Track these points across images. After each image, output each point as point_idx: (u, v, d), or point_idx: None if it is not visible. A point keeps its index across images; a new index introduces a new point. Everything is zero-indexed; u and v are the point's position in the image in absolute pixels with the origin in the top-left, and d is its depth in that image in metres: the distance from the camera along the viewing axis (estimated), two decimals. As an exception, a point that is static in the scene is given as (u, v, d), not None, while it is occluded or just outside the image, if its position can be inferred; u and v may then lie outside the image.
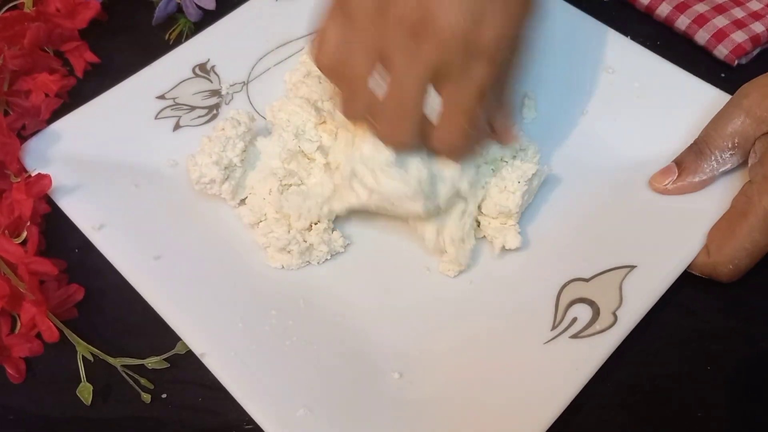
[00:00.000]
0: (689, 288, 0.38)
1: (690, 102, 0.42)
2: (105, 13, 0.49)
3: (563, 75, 0.45)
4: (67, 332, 0.37)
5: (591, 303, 0.36)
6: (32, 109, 0.43)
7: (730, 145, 0.38)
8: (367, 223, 0.41)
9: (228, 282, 0.38)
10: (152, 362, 0.36)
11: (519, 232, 0.39)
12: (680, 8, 0.48)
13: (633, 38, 0.46)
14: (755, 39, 0.46)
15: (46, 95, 0.44)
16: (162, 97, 0.44)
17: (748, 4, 0.48)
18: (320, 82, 0.44)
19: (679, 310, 0.38)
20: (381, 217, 0.40)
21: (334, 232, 0.40)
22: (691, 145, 0.40)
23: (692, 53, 0.47)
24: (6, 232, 0.37)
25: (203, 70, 0.46)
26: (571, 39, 0.46)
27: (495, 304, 0.38)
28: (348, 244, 0.40)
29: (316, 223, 0.40)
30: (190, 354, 0.35)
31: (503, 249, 0.39)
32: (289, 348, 0.36)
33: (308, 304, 0.38)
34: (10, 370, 0.36)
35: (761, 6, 0.48)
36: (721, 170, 0.39)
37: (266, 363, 0.35)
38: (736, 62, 0.46)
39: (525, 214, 0.40)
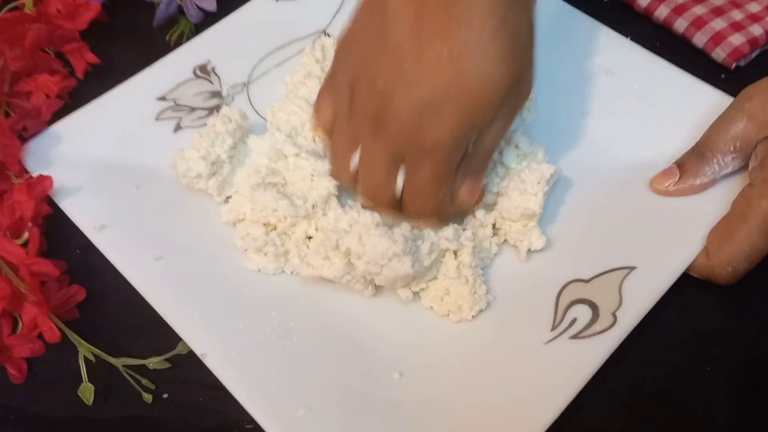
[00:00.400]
0: (689, 289, 0.38)
1: (690, 104, 0.43)
2: (106, 14, 0.49)
3: (563, 77, 0.45)
4: (69, 333, 0.37)
5: (591, 304, 0.36)
6: (33, 111, 0.43)
7: (731, 149, 0.38)
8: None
9: (229, 282, 0.38)
10: (153, 362, 0.36)
11: (542, 232, 0.38)
12: (678, 11, 0.48)
13: (632, 40, 0.46)
14: (753, 42, 0.46)
15: (47, 96, 0.44)
16: (163, 98, 0.44)
17: (746, 6, 0.48)
18: (320, 83, 0.44)
19: (679, 311, 0.38)
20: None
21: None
22: (693, 147, 0.40)
23: (691, 55, 0.47)
24: (7, 233, 0.37)
25: (204, 71, 0.46)
26: (570, 40, 0.46)
27: (495, 304, 0.38)
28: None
29: (291, 234, 0.39)
30: (191, 354, 0.35)
31: (529, 251, 0.38)
32: (289, 348, 0.36)
33: (309, 305, 0.38)
34: (11, 371, 0.36)
35: (760, 8, 0.48)
36: (722, 173, 0.39)
37: (267, 363, 0.35)
38: (734, 65, 0.46)
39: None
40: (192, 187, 0.40)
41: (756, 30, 0.46)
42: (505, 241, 0.40)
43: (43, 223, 0.40)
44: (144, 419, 0.36)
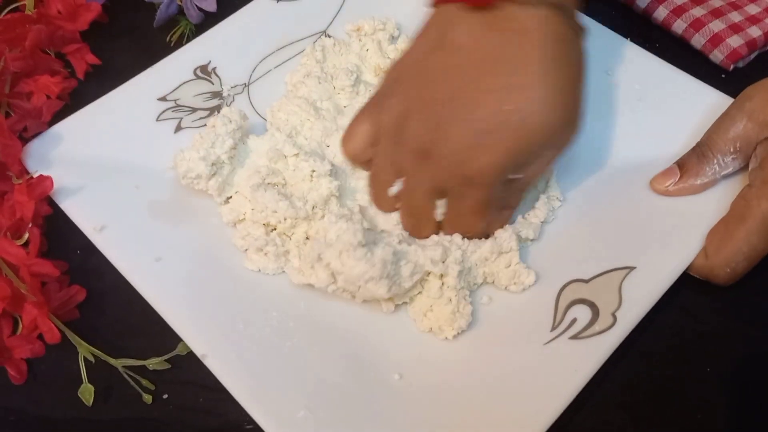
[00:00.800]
0: (689, 289, 0.38)
1: (690, 104, 0.43)
2: (106, 15, 0.49)
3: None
4: (69, 333, 0.37)
5: (590, 304, 0.36)
6: (34, 111, 0.43)
7: (732, 149, 0.38)
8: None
9: (229, 283, 0.38)
10: (153, 363, 0.36)
11: (528, 268, 0.38)
12: (677, 12, 0.48)
13: (631, 41, 0.46)
14: (751, 44, 0.46)
15: (48, 97, 0.44)
16: (163, 98, 0.44)
17: (745, 8, 0.48)
18: (319, 83, 0.44)
19: (679, 311, 0.38)
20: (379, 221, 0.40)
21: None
22: (694, 147, 0.40)
23: (690, 56, 0.47)
24: (8, 233, 0.37)
25: (204, 71, 0.46)
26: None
27: (495, 305, 0.38)
28: None
29: (291, 235, 0.39)
30: (191, 355, 0.35)
31: (523, 290, 0.38)
32: (290, 349, 0.36)
33: (309, 306, 0.38)
34: (11, 371, 0.36)
35: (759, 10, 0.48)
36: (722, 173, 0.39)
37: (267, 364, 0.35)
38: (731, 67, 0.46)
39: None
40: (192, 188, 0.40)
41: (754, 32, 0.47)
42: (493, 282, 0.38)
43: (43, 223, 0.40)
44: (144, 420, 0.36)
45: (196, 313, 0.36)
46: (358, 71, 0.45)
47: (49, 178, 0.39)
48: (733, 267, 0.37)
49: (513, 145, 0.34)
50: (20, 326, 0.37)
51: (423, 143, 0.35)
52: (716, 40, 0.46)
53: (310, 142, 0.42)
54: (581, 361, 0.34)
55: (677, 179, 0.39)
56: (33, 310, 0.36)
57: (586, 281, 0.37)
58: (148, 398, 0.36)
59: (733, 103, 0.39)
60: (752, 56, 0.47)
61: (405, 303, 0.38)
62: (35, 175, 0.39)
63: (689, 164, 0.39)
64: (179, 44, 0.48)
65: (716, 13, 0.48)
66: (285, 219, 0.38)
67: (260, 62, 0.47)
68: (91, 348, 0.36)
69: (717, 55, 0.46)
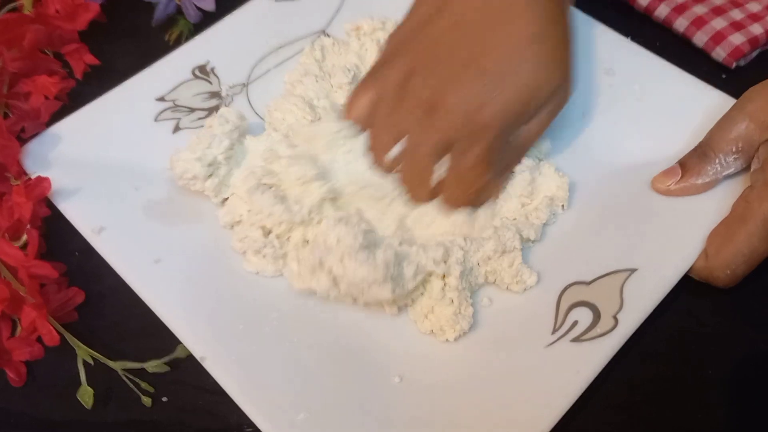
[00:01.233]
0: (690, 291, 0.38)
1: (691, 104, 0.43)
2: (104, 14, 0.48)
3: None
4: (68, 336, 0.36)
5: (592, 306, 0.36)
6: (32, 112, 0.43)
7: (733, 149, 0.38)
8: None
9: (228, 285, 0.38)
10: (152, 366, 0.36)
11: (530, 268, 0.38)
12: (679, 10, 0.48)
13: (632, 40, 0.46)
14: (753, 41, 0.46)
15: (46, 97, 0.44)
16: (162, 99, 0.44)
17: (747, 6, 0.48)
18: (316, 81, 0.44)
19: (680, 312, 0.38)
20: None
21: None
22: (696, 147, 0.40)
23: (691, 55, 0.47)
24: (6, 235, 0.37)
25: (203, 71, 0.46)
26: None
27: (496, 307, 0.38)
28: None
29: (288, 238, 0.39)
30: (190, 357, 0.35)
31: (524, 290, 0.38)
32: (289, 352, 0.36)
33: (309, 307, 0.38)
34: (10, 374, 0.36)
35: (761, 8, 0.48)
36: (724, 174, 0.39)
37: (267, 367, 0.35)
38: (734, 65, 0.46)
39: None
40: (189, 189, 0.40)
41: (756, 29, 0.46)
42: (495, 282, 0.38)
43: (41, 225, 0.39)
44: (143, 423, 0.35)
45: (195, 315, 0.36)
46: (357, 70, 0.45)
47: (47, 180, 0.39)
48: (733, 269, 0.36)
49: (517, 97, 0.36)
50: (19, 328, 0.37)
51: (429, 97, 0.37)
52: (718, 37, 0.46)
53: (303, 144, 0.41)
54: (583, 364, 0.34)
55: (679, 178, 0.39)
56: (32, 312, 0.36)
57: (588, 283, 0.37)
58: (147, 401, 0.36)
59: (734, 105, 0.39)
60: (754, 54, 0.47)
61: (407, 305, 0.38)
62: (33, 176, 0.39)
63: (691, 164, 0.39)
64: (177, 44, 0.48)
65: (718, 11, 0.47)
66: (280, 223, 0.38)
67: (259, 62, 0.47)
68: (90, 350, 0.36)
69: (719, 53, 0.46)
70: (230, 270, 0.39)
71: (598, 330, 0.35)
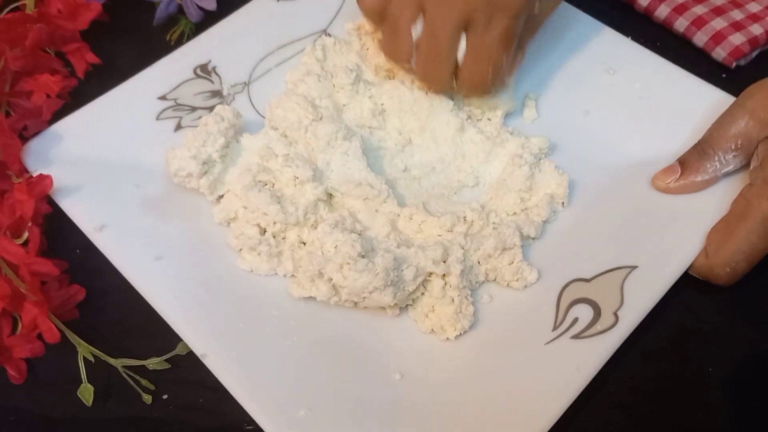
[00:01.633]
0: (690, 288, 0.38)
1: (691, 103, 0.43)
2: (106, 14, 0.49)
3: (564, 76, 0.45)
4: (68, 333, 0.37)
5: (592, 303, 0.36)
6: (34, 110, 0.43)
7: (733, 147, 0.38)
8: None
9: (229, 282, 0.38)
10: (153, 363, 0.36)
11: (530, 266, 0.38)
12: (679, 10, 0.48)
13: (632, 39, 0.46)
14: (753, 41, 0.46)
15: (48, 96, 0.44)
16: (163, 97, 0.44)
17: (747, 6, 0.48)
18: (319, 81, 0.44)
19: (680, 310, 0.38)
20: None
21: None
22: (695, 145, 0.40)
23: (692, 54, 0.47)
24: (7, 232, 0.37)
25: (204, 70, 0.46)
26: (571, 40, 0.46)
27: (496, 305, 0.38)
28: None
29: (284, 238, 0.39)
30: (191, 355, 0.35)
31: (525, 287, 0.38)
32: (290, 349, 0.36)
33: (309, 304, 0.38)
34: (11, 371, 0.36)
35: (761, 8, 0.48)
36: (723, 171, 0.39)
37: (267, 364, 0.35)
38: (734, 64, 0.46)
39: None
40: (184, 186, 0.40)
41: (756, 29, 0.46)
42: (495, 279, 0.38)
43: (43, 222, 0.39)
44: (143, 420, 0.35)
45: (195, 312, 0.36)
46: (359, 70, 0.45)
47: (48, 177, 0.39)
48: (732, 267, 0.36)
49: None
50: (20, 326, 0.37)
51: None
52: (718, 37, 0.46)
53: (302, 143, 0.41)
54: (583, 361, 0.34)
55: (678, 176, 0.39)
56: (33, 309, 0.36)
57: (588, 280, 0.37)
58: (147, 398, 0.36)
59: (734, 102, 0.39)
60: (753, 54, 0.47)
61: (408, 305, 0.38)
62: (35, 174, 0.39)
63: (690, 161, 0.39)
64: (179, 43, 0.48)
65: (718, 11, 0.48)
66: (274, 223, 0.38)
67: (260, 61, 0.47)
68: (91, 348, 0.36)
69: (719, 53, 0.46)
70: (231, 267, 0.39)
71: (598, 327, 0.35)
